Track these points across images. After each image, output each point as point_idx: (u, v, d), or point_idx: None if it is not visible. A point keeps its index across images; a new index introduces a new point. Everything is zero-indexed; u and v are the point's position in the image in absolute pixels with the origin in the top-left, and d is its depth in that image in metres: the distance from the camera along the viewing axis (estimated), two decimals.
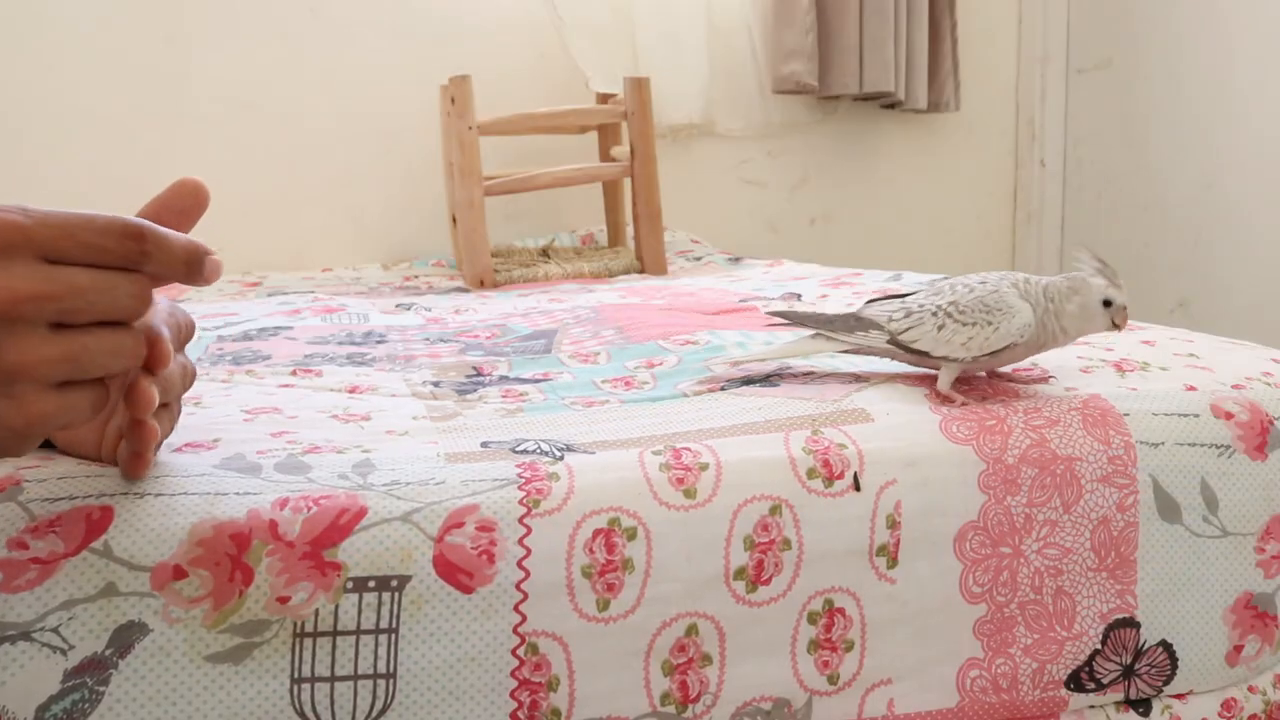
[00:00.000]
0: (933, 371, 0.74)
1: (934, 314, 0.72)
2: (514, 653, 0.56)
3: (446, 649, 0.55)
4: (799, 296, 1.27)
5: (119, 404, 0.56)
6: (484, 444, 0.65)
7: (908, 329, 0.73)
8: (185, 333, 0.57)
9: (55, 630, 0.50)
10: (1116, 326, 0.72)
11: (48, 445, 0.59)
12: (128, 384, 0.50)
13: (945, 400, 0.70)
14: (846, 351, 0.78)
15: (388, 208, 1.92)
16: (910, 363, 0.75)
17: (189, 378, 0.59)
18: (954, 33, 2.20)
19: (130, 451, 0.54)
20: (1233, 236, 2.03)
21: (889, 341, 0.73)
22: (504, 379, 0.86)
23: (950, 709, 0.65)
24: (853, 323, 0.75)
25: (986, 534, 0.65)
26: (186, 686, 0.51)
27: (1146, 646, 0.68)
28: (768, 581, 0.61)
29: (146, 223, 0.46)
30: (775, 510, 0.61)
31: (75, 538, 0.52)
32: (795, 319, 0.80)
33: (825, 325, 0.76)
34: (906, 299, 0.75)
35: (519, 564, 0.56)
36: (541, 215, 1.99)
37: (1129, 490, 0.68)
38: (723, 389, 0.77)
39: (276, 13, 1.88)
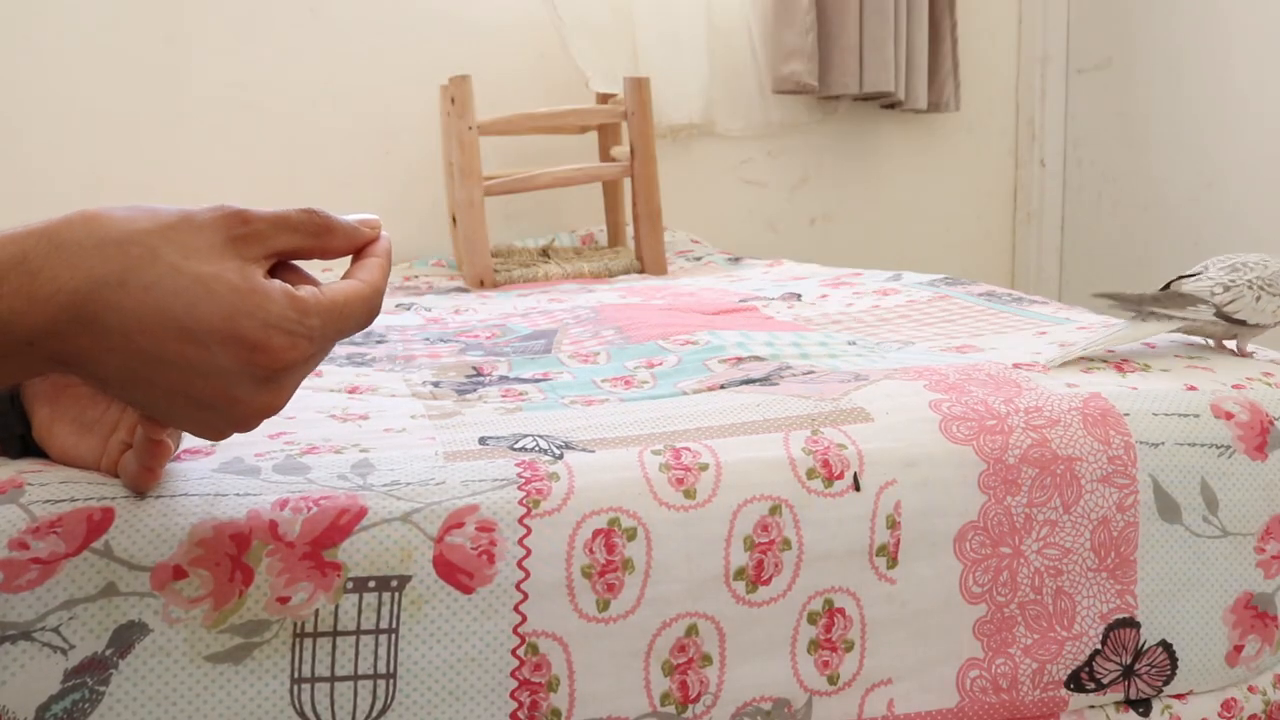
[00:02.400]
0: (1191, 340, 0.84)
1: (1249, 287, 0.80)
2: (514, 653, 0.56)
3: (446, 649, 0.55)
4: (799, 296, 1.27)
5: (120, 419, 0.57)
6: (482, 440, 0.65)
7: (1230, 301, 0.81)
8: None
9: (56, 630, 0.50)
10: None
11: (44, 455, 0.59)
12: None
13: (1244, 354, 0.82)
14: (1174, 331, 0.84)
15: (388, 208, 1.92)
16: (1215, 336, 0.84)
17: None
18: (954, 33, 2.20)
19: (141, 466, 0.54)
20: (1233, 236, 2.03)
21: (1215, 314, 0.81)
22: (504, 379, 0.86)
23: (950, 709, 0.65)
24: (1178, 300, 0.82)
25: (986, 534, 0.65)
26: (187, 686, 0.51)
27: (1146, 646, 0.68)
28: (768, 581, 0.61)
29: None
30: (775, 510, 0.61)
31: (76, 538, 0.52)
32: (1125, 300, 0.84)
33: (1154, 304, 0.82)
34: (1198, 278, 0.83)
35: (519, 564, 0.56)
36: (541, 215, 1.99)
37: (1129, 490, 0.68)
38: (723, 388, 0.77)
39: (276, 12, 1.88)
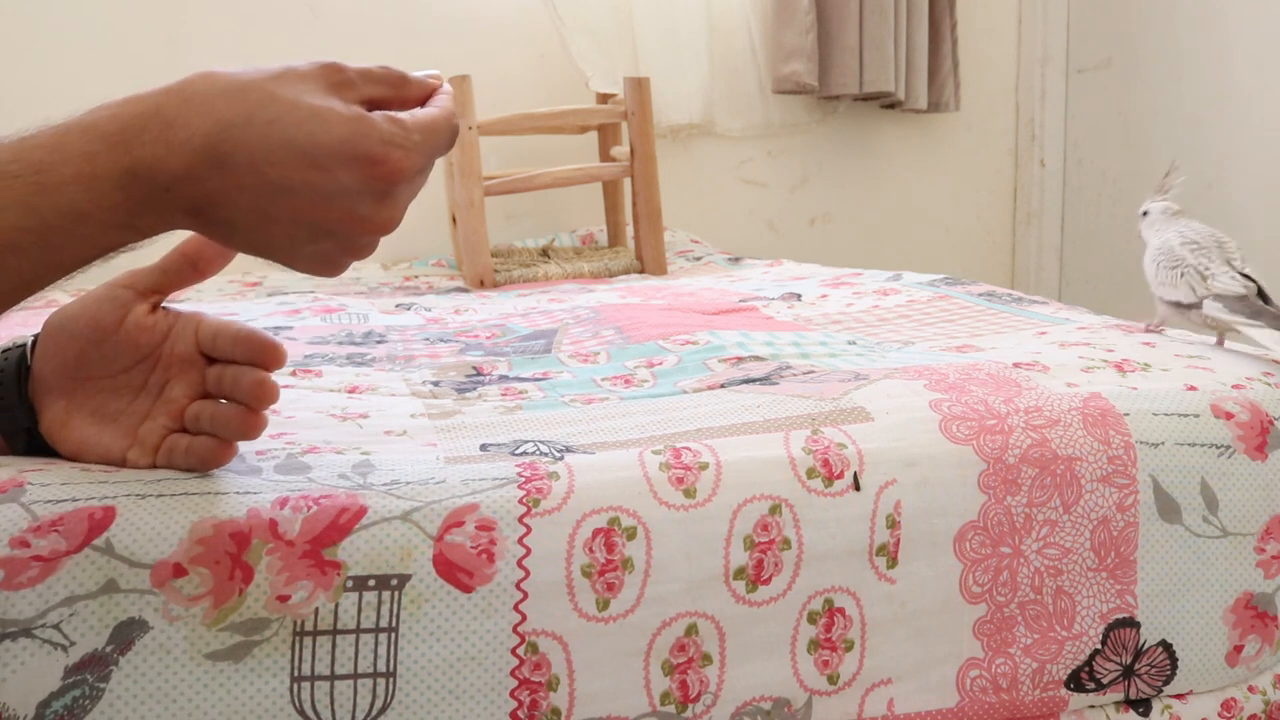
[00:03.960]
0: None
1: None
2: (514, 652, 0.56)
3: (446, 648, 0.55)
4: (799, 296, 1.27)
5: (152, 407, 0.58)
6: (483, 447, 0.65)
7: None
8: None
9: (56, 627, 0.50)
10: None
11: (50, 453, 0.59)
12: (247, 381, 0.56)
13: None
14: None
15: None
16: None
17: None
18: (954, 33, 2.20)
19: (220, 442, 0.57)
20: (1233, 236, 2.03)
21: None
22: (504, 378, 0.86)
23: (950, 709, 0.65)
24: None
25: (986, 534, 0.65)
26: (186, 684, 0.51)
27: (1146, 646, 0.68)
28: (768, 581, 0.61)
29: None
30: (775, 510, 0.61)
31: (77, 535, 0.52)
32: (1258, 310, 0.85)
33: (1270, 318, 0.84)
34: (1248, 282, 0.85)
35: (519, 563, 0.56)
36: (541, 215, 1.99)
37: (1129, 490, 0.68)
38: (723, 387, 0.77)
39: (276, 12, 1.88)
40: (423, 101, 0.55)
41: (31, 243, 0.46)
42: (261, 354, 0.56)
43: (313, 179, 0.48)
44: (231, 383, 0.57)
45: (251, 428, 0.57)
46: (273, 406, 0.57)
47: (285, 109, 0.48)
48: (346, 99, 0.51)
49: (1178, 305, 0.89)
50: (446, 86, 0.56)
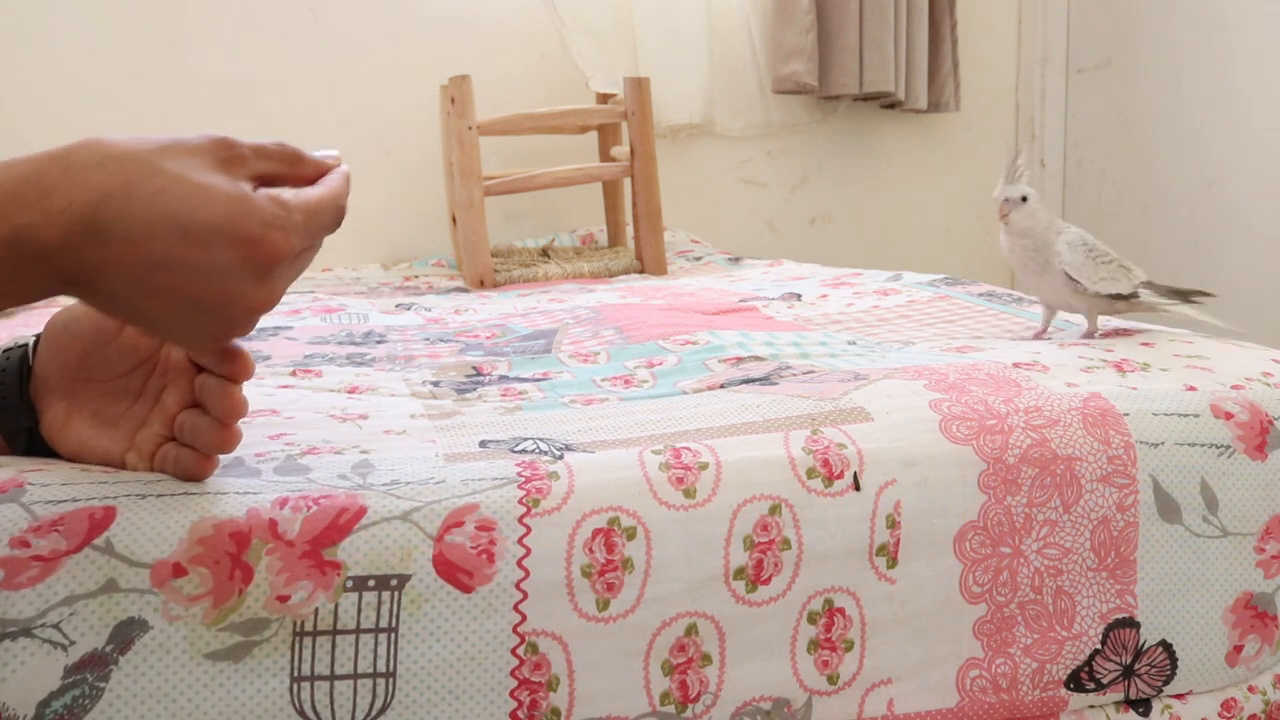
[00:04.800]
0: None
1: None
2: (514, 652, 0.56)
3: (446, 648, 0.55)
4: (799, 296, 1.27)
5: (149, 414, 0.58)
6: (482, 443, 0.65)
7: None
8: None
9: (56, 626, 0.50)
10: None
11: (50, 454, 0.59)
12: (217, 394, 0.55)
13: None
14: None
15: (388, 208, 1.92)
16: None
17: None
18: (954, 33, 2.20)
19: (217, 423, 0.56)
20: (1233, 236, 2.03)
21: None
22: (504, 378, 0.86)
23: (950, 709, 0.65)
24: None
25: (986, 534, 0.65)
26: (186, 684, 0.51)
27: (1146, 646, 0.68)
28: (767, 581, 0.61)
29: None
30: (775, 510, 0.61)
31: (78, 535, 0.52)
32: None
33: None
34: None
35: (519, 563, 0.56)
36: (541, 215, 1.99)
37: (1129, 490, 0.68)
38: (723, 387, 0.77)
39: (276, 13, 1.88)
40: (318, 178, 0.54)
41: None
42: (227, 363, 0.56)
43: (190, 255, 0.48)
44: (203, 394, 0.56)
45: (224, 442, 0.56)
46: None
47: (168, 182, 0.47)
48: (235, 175, 0.50)
49: (1115, 297, 0.91)
50: (343, 167, 0.56)
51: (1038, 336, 0.94)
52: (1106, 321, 0.96)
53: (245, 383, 0.57)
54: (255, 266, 0.49)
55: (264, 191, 0.50)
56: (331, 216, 0.53)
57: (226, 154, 0.50)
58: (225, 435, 0.56)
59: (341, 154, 0.57)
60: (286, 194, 0.51)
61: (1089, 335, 0.92)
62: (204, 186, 0.48)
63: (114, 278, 0.48)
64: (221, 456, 0.59)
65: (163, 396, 0.58)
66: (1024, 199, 0.93)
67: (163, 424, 0.58)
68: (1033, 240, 0.92)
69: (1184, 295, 0.93)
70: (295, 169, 0.53)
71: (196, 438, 0.56)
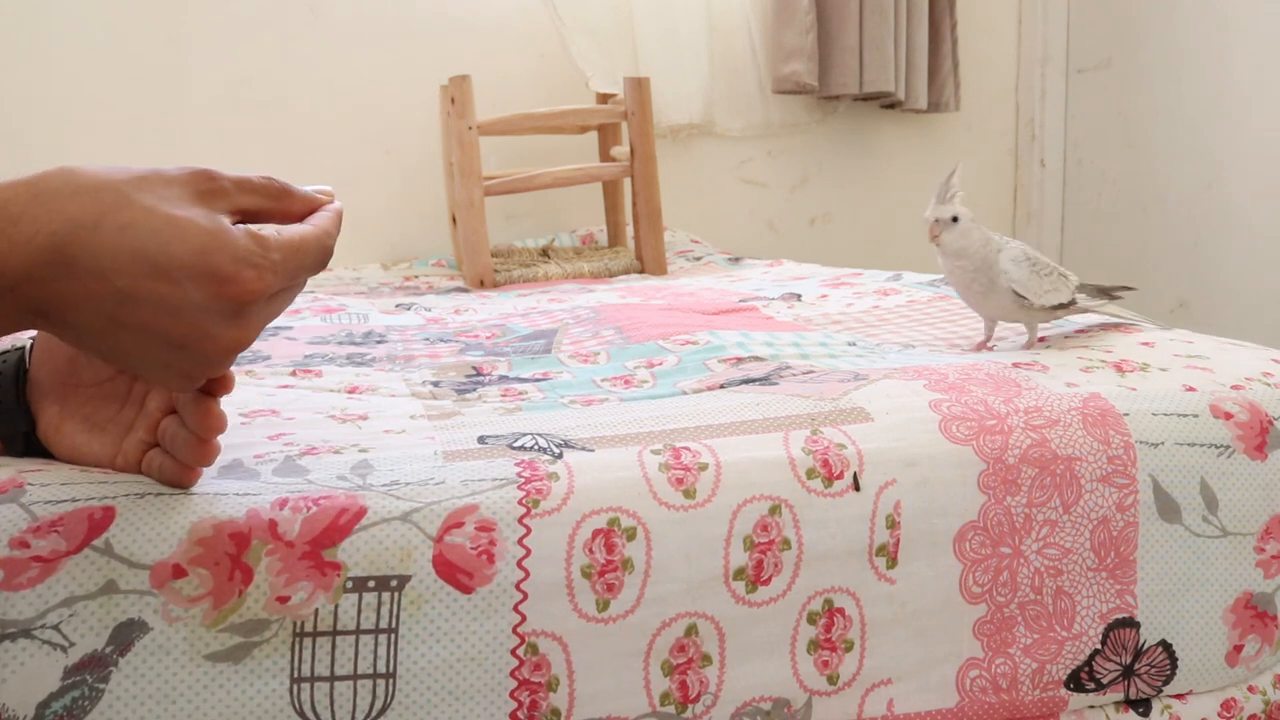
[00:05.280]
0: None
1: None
2: (514, 653, 0.56)
3: (446, 649, 0.55)
4: (799, 296, 1.27)
5: (136, 419, 0.58)
6: (481, 439, 0.65)
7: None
8: None
9: (56, 628, 0.50)
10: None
11: (47, 454, 0.59)
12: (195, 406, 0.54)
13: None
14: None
15: (388, 208, 1.92)
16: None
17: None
18: (954, 33, 2.20)
19: (194, 437, 0.55)
20: (1233, 236, 2.03)
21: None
22: (504, 379, 0.86)
23: (950, 709, 0.65)
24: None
25: (986, 534, 0.65)
26: (186, 685, 0.51)
27: (1146, 646, 0.68)
28: (767, 581, 0.61)
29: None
30: (775, 510, 0.61)
31: (77, 536, 0.52)
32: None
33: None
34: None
35: (519, 564, 0.56)
36: (541, 215, 1.99)
37: (1129, 490, 0.68)
38: (723, 387, 0.77)
39: (276, 13, 1.88)
40: (307, 215, 0.53)
41: None
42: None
43: (160, 290, 0.46)
44: (182, 408, 0.55)
45: (202, 455, 0.55)
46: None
47: (140, 215, 0.46)
48: (214, 208, 0.48)
49: (1057, 306, 0.90)
50: (335, 205, 0.54)
51: (981, 348, 0.92)
52: (1042, 328, 0.96)
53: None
54: (226, 304, 0.48)
55: (242, 227, 0.49)
56: (314, 257, 0.51)
57: (206, 186, 0.49)
58: (203, 449, 0.54)
59: (334, 190, 0.55)
60: (267, 230, 0.49)
61: (1029, 346, 0.90)
62: (177, 220, 0.47)
63: (83, 311, 0.46)
64: (220, 459, 0.59)
65: (146, 401, 0.57)
66: (955, 219, 0.89)
67: (146, 429, 0.57)
68: (971, 260, 0.89)
69: (1108, 292, 0.93)
70: (282, 204, 0.52)
71: (176, 449, 0.55)
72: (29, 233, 0.45)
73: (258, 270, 0.48)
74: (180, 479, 0.55)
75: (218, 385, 0.54)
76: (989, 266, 0.88)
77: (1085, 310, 0.95)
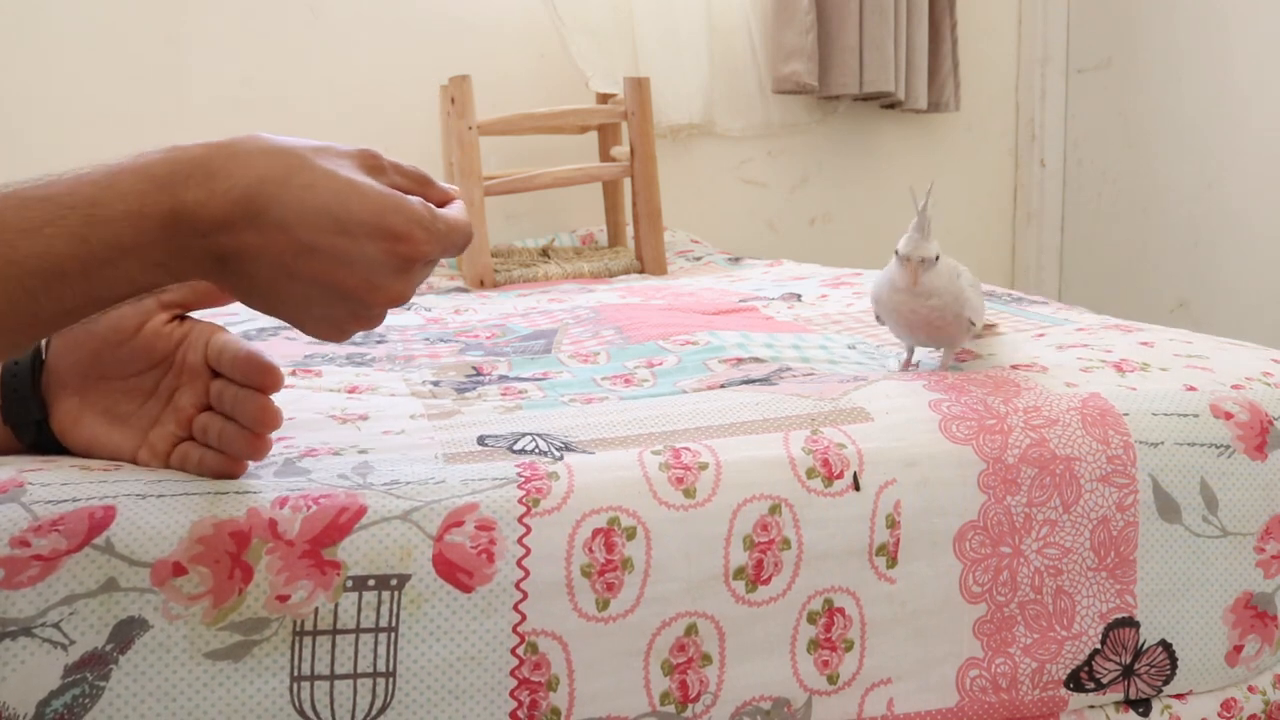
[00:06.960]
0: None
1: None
2: (514, 652, 0.56)
3: (446, 648, 0.55)
4: (799, 297, 1.27)
5: (161, 414, 0.60)
6: (481, 439, 0.65)
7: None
8: None
9: (56, 626, 0.50)
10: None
11: (57, 447, 0.60)
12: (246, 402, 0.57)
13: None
14: None
15: None
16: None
17: None
18: (954, 33, 2.20)
19: (250, 434, 0.58)
20: (1233, 236, 2.03)
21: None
22: (504, 378, 0.86)
23: (950, 709, 0.65)
24: None
25: (986, 534, 0.65)
26: (186, 683, 0.52)
27: (1146, 646, 0.68)
28: (767, 581, 0.61)
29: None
30: (775, 510, 0.61)
31: (78, 535, 0.52)
32: None
33: None
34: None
35: (518, 563, 0.56)
36: (541, 215, 1.99)
37: (1128, 490, 0.68)
38: (723, 386, 0.77)
39: (276, 13, 1.88)
40: (440, 205, 0.57)
41: (78, 273, 0.47)
42: (259, 376, 0.58)
43: (339, 244, 0.50)
44: (233, 404, 0.58)
45: (256, 450, 0.58)
46: None
47: (321, 176, 0.51)
48: (379, 181, 0.53)
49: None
50: (460, 203, 0.58)
51: (907, 366, 0.85)
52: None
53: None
54: (397, 260, 0.52)
55: (415, 197, 0.54)
56: (463, 237, 0.56)
57: (372, 162, 0.54)
58: (258, 444, 0.58)
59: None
60: (429, 205, 0.54)
61: (945, 366, 0.83)
62: (356, 183, 0.51)
63: (263, 261, 0.50)
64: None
65: (176, 397, 0.60)
66: (937, 258, 0.77)
67: (177, 424, 0.59)
68: (942, 299, 0.77)
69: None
70: (425, 190, 0.56)
71: (227, 444, 0.57)
72: (225, 185, 0.49)
73: (429, 234, 0.53)
74: (228, 470, 0.58)
75: (270, 382, 0.58)
76: (955, 299, 0.78)
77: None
